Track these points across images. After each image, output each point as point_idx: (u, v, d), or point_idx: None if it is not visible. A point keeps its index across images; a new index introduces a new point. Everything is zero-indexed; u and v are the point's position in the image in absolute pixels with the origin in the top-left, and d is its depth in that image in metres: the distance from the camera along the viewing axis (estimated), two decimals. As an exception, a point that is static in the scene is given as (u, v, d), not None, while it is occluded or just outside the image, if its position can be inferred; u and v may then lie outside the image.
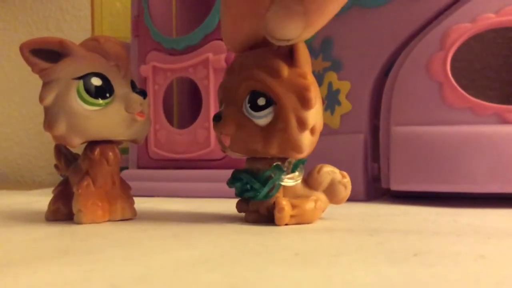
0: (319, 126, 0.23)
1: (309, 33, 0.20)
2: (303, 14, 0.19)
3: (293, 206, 0.23)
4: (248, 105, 0.22)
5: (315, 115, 0.22)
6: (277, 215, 0.22)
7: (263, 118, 0.22)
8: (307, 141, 0.22)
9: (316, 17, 0.20)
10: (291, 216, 0.23)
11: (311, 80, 0.22)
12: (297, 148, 0.22)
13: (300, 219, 0.23)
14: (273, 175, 0.23)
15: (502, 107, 0.31)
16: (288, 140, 0.22)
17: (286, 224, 0.23)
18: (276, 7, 0.20)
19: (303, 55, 0.22)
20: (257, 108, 0.22)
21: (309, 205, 0.23)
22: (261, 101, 0.22)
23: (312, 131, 0.22)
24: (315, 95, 0.22)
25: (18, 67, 0.80)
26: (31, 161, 0.82)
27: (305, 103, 0.22)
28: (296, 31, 0.20)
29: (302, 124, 0.22)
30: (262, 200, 0.23)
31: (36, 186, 0.66)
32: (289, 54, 0.22)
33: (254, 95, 0.22)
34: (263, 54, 0.22)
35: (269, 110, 0.22)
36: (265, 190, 0.23)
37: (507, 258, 0.16)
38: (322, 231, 0.21)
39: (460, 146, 0.31)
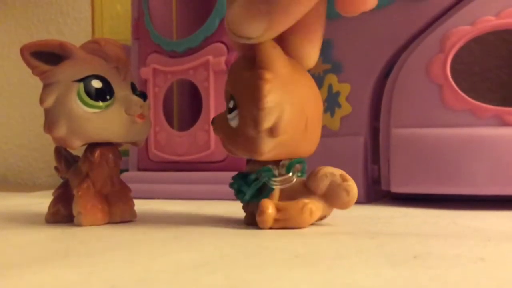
0: (284, 127, 0.21)
1: (271, 34, 0.20)
2: (267, 13, 0.19)
3: (278, 210, 0.22)
4: (228, 108, 0.23)
5: (273, 115, 0.21)
6: (257, 218, 0.22)
7: (233, 120, 0.22)
8: (265, 142, 0.21)
9: (280, 18, 0.19)
10: (275, 220, 0.22)
11: (269, 78, 0.21)
12: (254, 149, 0.22)
13: (286, 223, 0.22)
14: (258, 178, 0.23)
15: (502, 109, 0.31)
16: (248, 142, 0.22)
17: (271, 228, 0.22)
18: (240, 2, 0.20)
19: (265, 55, 0.21)
20: (229, 110, 0.23)
21: (295, 209, 0.22)
22: (231, 104, 0.22)
23: (272, 132, 0.21)
24: (273, 92, 0.21)
25: (18, 69, 0.80)
26: (31, 163, 0.82)
27: (256, 102, 0.21)
28: (257, 30, 0.20)
29: (255, 125, 0.21)
30: (255, 202, 0.23)
31: (36, 188, 0.66)
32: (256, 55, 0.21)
33: (229, 98, 0.23)
34: (243, 57, 0.22)
35: (235, 112, 0.22)
36: (249, 192, 0.23)
37: (507, 260, 0.16)
38: (322, 234, 0.21)
39: (460, 148, 0.31)
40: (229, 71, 0.23)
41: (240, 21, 0.20)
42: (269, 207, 0.22)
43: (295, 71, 0.22)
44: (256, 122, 0.21)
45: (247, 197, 0.23)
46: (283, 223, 0.22)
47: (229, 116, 0.23)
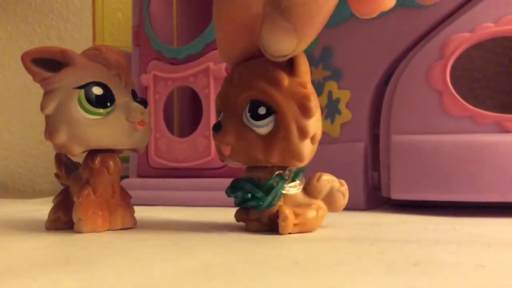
0: (318, 135, 0.23)
1: (303, 46, 0.21)
2: (294, 31, 0.20)
3: (296, 215, 0.23)
4: (248, 114, 0.22)
5: (315, 124, 0.22)
6: (281, 223, 0.22)
7: (264, 127, 0.22)
8: (307, 149, 0.22)
9: (306, 31, 0.20)
10: (294, 225, 0.23)
11: (311, 89, 0.22)
12: (298, 156, 0.22)
13: (303, 228, 0.23)
14: (275, 184, 0.23)
15: (502, 116, 0.31)
16: (289, 149, 0.22)
17: (289, 233, 0.23)
18: (267, 25, 0.20)
19: (303, 65, 0.22)
20: (257, 117, 0.22)
21: (312, 213, 0.23)
22: (262, 110, 0.22)
23: (313, 139, 0.23)
24: (315, 104, 0.22)
25: (19, 76, 0.81)
26: (32, 170, 0.82)
27: (305, 112, 0.22)
28: (290, 46, 0.21)
29: (303, 133, 0.22)
30: (265, 209, 0.23)
31: (37, 194, 0.66)
32: (288, 64, 0.22)
33: (254, 104, 0.22)
34: (263, 64, 0.22)
35: (270, 119, 0.22)
36: (269, 199, 0.23)
37: (508, 267, 0.16)
38: (322, 240, 0.21)
39: (460, 155, 0.31)
40: (241, 77, 0.23)
41: (272, 43, 0.21)
42: (290, 213, 0.23)
43: None
44: (304, 130, 0.22)
45: (265, 204, 0.23)
46: (300, 228, 0.23)
47: (257, 122, 0.22)
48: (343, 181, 0.24)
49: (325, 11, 0.20)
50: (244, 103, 0.23)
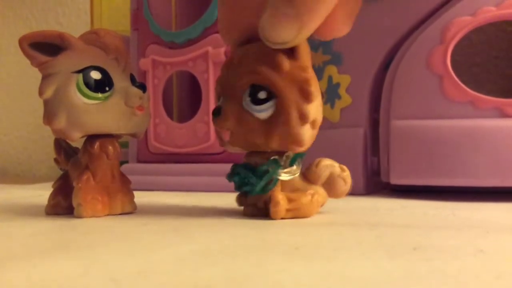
0: (319, 120, 0.23)
1: (304, 35, 0.21)
2: (296, 17, 0.20)
3: (289, 200, 0.23)
4: (248, 99, 0.22)
5: (315, 109, 0.22)
6: (272, 209, 0.22)
7: (264, 112, 0.22)
8: (307, 134, 0.22)
9: (309, 18, 0.20)
10: (287, 210, 0.23)
11: (311, 73, 0.22)
12: (298, 141, 0.22)
13: (297, 213, 0.23)
14: (270, 169, 0.23)
15: (502, 100, 0.31)
16: (289, 134, 0.22)
17: (282, 218, 0.23)
18: (269, 11, 0.20)
19: (304, 49, 0.22)
20: (258, 101, 0.22)
21: (306, 199, 0.23)
22: (262, 95, 0.22)
23: (313, 124, 0.22)
24: (316, 88, 0.22)
25: (17, 61, 0.80)
26: (31, 155, 0.82)
27: (306, 96, 0.22)
28: (290, 34, 0.20)
29: (303, 118, 0.22)
30: (260, 194, 0.23)
31: (36, 180, 0.66)
32: (289, 48, 0.22)
33: (254, 89, 0.22)
34: (263, 48, 0.22)
35: (270, 103, 0.22)
36: (261, 184, 0.23)
37: (507, 252, 0.16)
38: (322, 225, 0.21)
39: (460, 140, 0.31)
40: (241, 61, 0.23)
41: (273, 30, 0.20)
42: (282, 198, 0.22)
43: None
44: (304, 114, 0.22)
45: (257, 189, 0.23)
46: (294, 213, 0.23)
47: (258, 107, 0.22)
48: (344, 167, 0.24)
49: (332, 1, 0.20)
50: (244, 87, 0.22)
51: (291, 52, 0.22)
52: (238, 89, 0.22)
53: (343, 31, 0.22)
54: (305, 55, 0.22)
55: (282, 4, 0.20)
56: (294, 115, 0.22)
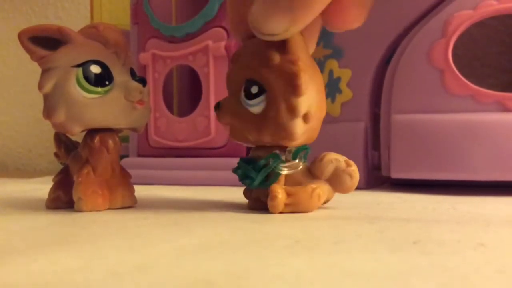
0: (314, 113, 0.22)
1: (295, 29, 0.20)
2: (289, 9, 0.19)
3: (288, 194, 0.23)
4: (243, 94, 0.22)
5: (307, 102, 0.22)
6: (269, 203, 0.22)
7: (256, 106, 0.22)
8: (299, 128, 0.22)
9: (302, 12, 0.19)
10: (286, 205, 0.23)
11: (302, 66, 0.21)
12: (289, 135, 0.22)
13: (295, 208, 0.23)
14: (269, 163, 0.23)
15: (503, 94, 0.31)
16: (280, 128, 0.22)
17: (281, 212, 0.23)
18: (261, 0, 0.20)
19: (295, 42, 0.21)
20: (250, 96, 0.22)
21: (305, 193, 0.23)
22: (254, 89, 0.22)
23: (306, 118, 0.22)
24: (306, 81, 0.21)
25: (17, 55, 0.80)
26: (31, 149, 0.82)
27: (294, 89, 0.21)
28: (281, 26, 0.20)
29: (292, 111, 0.21)
30: (262, 188, 0.23)
31: (37, 174, 0.66)
32: (281, 41, 0.22)
33: (248, 84, 0.22)
34: (258, 43, 0.22)
35: (261, 98, 0.22)
36: (259, 178, 0.23)
37: (507, 246, 0.16)
38: (323, 219, 0.21)
39: (460, 134, 0.31)
40: (241, 56, 0.23)
41: (263, 19, 0.20)
42: (280, 192, 0.22)
43: (312, 59, 0.23)
44: (292, 108, 0.21)
45: (256, 183, 0.23)
46: (292, 208, 0.23)
47: (250, 102, 0.22)
48: (351, 162, 0.23)
49: None
50: (241, 82, 0.23)
51: (283, 45, 0.21)
52: (237, 85, 0.23)
53: (357, 23, 0.22)
54: (295, 47, 0.21)
55: None
56: (282, 108, 0.21)
